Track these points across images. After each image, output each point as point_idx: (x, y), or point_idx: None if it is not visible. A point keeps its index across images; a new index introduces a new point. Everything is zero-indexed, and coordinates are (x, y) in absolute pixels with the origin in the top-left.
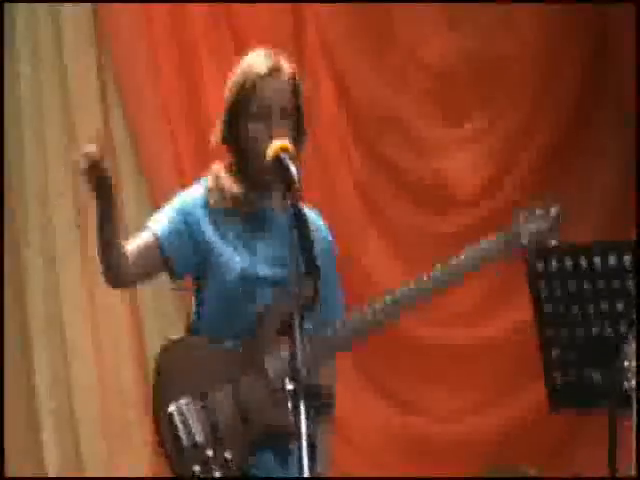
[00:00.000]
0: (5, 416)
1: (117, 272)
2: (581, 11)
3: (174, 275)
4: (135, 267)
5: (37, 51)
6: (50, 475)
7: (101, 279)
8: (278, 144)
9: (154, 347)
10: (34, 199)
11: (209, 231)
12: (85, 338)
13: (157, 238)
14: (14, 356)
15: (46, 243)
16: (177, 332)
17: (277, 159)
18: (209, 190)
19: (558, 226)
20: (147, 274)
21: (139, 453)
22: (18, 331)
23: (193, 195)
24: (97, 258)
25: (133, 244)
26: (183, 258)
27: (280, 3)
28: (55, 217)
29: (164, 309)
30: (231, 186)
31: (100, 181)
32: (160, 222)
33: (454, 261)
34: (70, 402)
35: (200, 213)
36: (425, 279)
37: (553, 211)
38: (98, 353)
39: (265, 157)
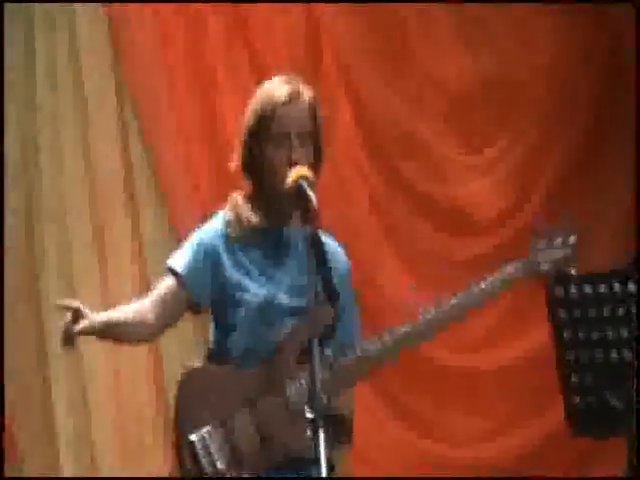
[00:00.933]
0: (23, 437)
1: (143, 339)
2: (596, 31)
3: (194, 311)
4: (159, 318)
5: (55, 74)
6: None
7: (118, 301)
8: (298, 171)
9: (172, 372)
10: (51, 220)
11: (228, 262)
12: (102, 361)
13: (178, 275)
14: (31, 378)
15: (63, 264)
16: (196, 358)
17: (297, 186)
18: (228, 222)
19: (577, 254)
20: (173, 318)
21: (155, 476)
22: (35, 353)
23: (212, 227)
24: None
25: (154, 297)
26: (203, 292)
27: (296, 25)
28: (72, 237)
29: (183, 335)
30: (249, 216)
31: (91, 330)
32: (179, 258)
33: (474, 288)
34: (87, 425)
35: (219, 245)
36: (446, 306)
37: (572, 239)
38: (115, 377)
39: (284, 183)
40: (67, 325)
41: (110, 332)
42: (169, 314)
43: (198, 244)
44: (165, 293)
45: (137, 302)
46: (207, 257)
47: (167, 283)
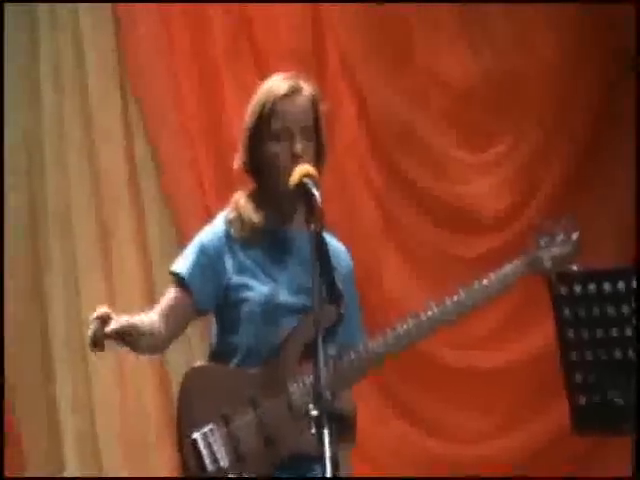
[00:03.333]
0: (27, 436)
1: (154, 351)
2: (598, 30)
3: (198, 313)
4: (168, 329)
5: (59, 75)
6: None
7: (123, 303)
8: (302, 169)
9: (176, 372)
10: (56, 222)
11: (231, 266)
12: (107, 360)
13: (182, 281)
14: (36, 378)
15: (68, 264)
16: (200, 358)
17: (301, 185)
18: (229, 221)
19: (579, 251)
20: (181, 327)
21: (159, 474)
22: (40, 353)
23: (213, 229)
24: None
25: (161, 309)
26: (207, 296)
27: (301, 25)
28: (77, 238)
29: (187, 335)
30: (251, 216)
31: (119, 334)
32: (182, 264)
33: (477, 286)
34: (92, 424)
35: (221, 245)
36: (449, 303)
37: (574, 236)
38: (120, 377)
39: (288, 181)
40: (96, 329)
41: (133, 333)
42: (177, 324)
43: (200, 248)
44: (171, 305)
45: (145, 314)
46: (209, 260)
47: (171, 293)
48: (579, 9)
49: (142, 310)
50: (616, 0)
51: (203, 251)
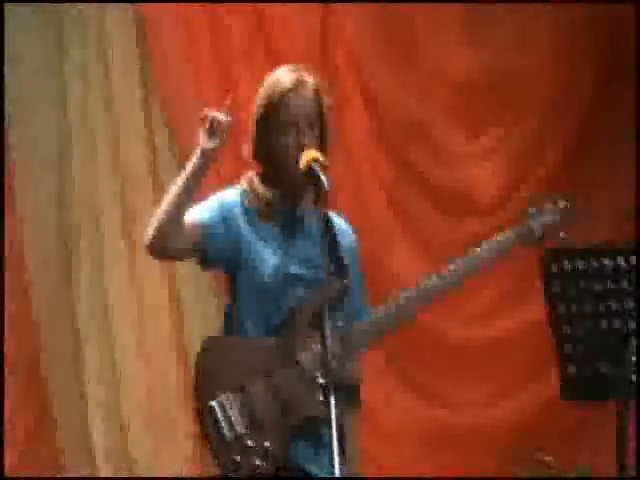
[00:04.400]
0: (57, 408)
1: (170, 238)
2: (594, 27)
3: (204, 264)
4: (182, 241)
5: (85, 72)
6: (98, 463)
7: (145, 284)
8: (310, 155)
9: (197, 346)
10: (83, 210)
11: (245, 229)
12: (131, 336)
13: (201, 223)
14: (64, 353)
15: (94, 248)
16: (218, 332)
17: (309, 169)
18: (244, 192)
19: (567, 219)
20: (185, 251)
21: (182, 445)
22: (70, 329)
23: (230, 196)
24: (153, 223)
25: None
26: (216, 250)
27: (312, 24)
28: (104, 225)
29: (206, 310)
30: (265, 192)
31: (217, 125)
32: (201, 211)
33: (470, 255)
34: (117, 396)
35: (237, 212)
36: (444, 273)
37: (561, 204)
38: (144, 351)
39: (296, 167)
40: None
41: (202, 174)
42: (183, 246)
43: (219, 204)
44: (191, 228)
45: None
46: (226, 216)
47: (194, 223)
48: (577, 8)
49: (163, 292)
50: (616, 0)
51: (221, 207)
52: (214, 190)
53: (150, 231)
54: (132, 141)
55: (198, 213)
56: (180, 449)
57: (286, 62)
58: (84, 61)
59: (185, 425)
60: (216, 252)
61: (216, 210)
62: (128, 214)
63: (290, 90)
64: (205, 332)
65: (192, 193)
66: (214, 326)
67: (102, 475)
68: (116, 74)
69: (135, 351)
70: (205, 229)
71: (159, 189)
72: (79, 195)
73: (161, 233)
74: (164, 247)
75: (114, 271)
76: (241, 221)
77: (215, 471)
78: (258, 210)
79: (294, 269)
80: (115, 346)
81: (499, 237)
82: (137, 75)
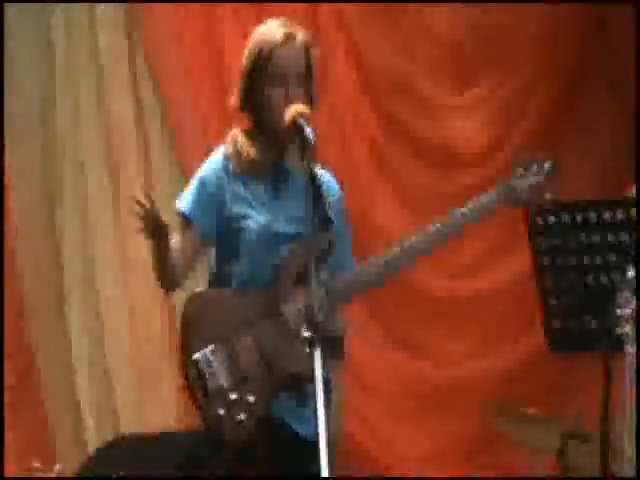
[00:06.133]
0: (43, 364)
1: (174, 280)
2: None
3: (203, 243)
4: (185, 265)
5: (70, 26)
6: (83, 416)
7: (132, 234)
8: (295, 109)
9: (182, 298)
10: (68, 161)
11: (230, 193)
12: (116, 291)
13: (185, 215)
14: (48, 305)
15: (79, 200)
16: (203, 286)
17: (294, 123)
18: (227, 156)
19: (552, 179)
20: (193, 260)
21: (168, 399)
22: (54, 281)
23: (212, 163)
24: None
25: (174, 243)
26: (208, 226)
27: None
28: (88, 175)
29: None
30: (248, 151)
31: (156, 227)
32: (184, 199)
33: (456, 213)
34: (101, 348)
35: (220, 177)
36: (428, 231)
37: (547, 165)
38: (129, 305)
39: (282, 121)
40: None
41: (166, 251)
42: (188, 261)
43: (200, 183)
44: (181, 247)
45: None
46: (209, 194)
47: (178, 236)
48: None
49: (147, 243)
50: (616, 1)
51: (203, 186)
52: (202, 142)
53: (162, 285)
54: (116, 93)
55: (181, 203)
56: (165, 402)
57: (270, 16)
58: (69, 13)
59: (170, 378)
60: (209, 228)
61: (199, 189)
62: (112, 164)
63: (281, 43)
64: (191, 283)
65: (166, 254)
66: (199, 279)
67: (86, 425)
68: (101, 26)
69: (119, 303)
70: (190, 216)
71: (142, 140)
72: (63, 146)
73: (167, 286)
74: (178, 285)
75: (98, 223)
76: (225, 186)
77: (201, 424)
78: (242, 171)
79: (281, 227)
80: (99, 298)
81: (482, 198)
82: (122, 27)
